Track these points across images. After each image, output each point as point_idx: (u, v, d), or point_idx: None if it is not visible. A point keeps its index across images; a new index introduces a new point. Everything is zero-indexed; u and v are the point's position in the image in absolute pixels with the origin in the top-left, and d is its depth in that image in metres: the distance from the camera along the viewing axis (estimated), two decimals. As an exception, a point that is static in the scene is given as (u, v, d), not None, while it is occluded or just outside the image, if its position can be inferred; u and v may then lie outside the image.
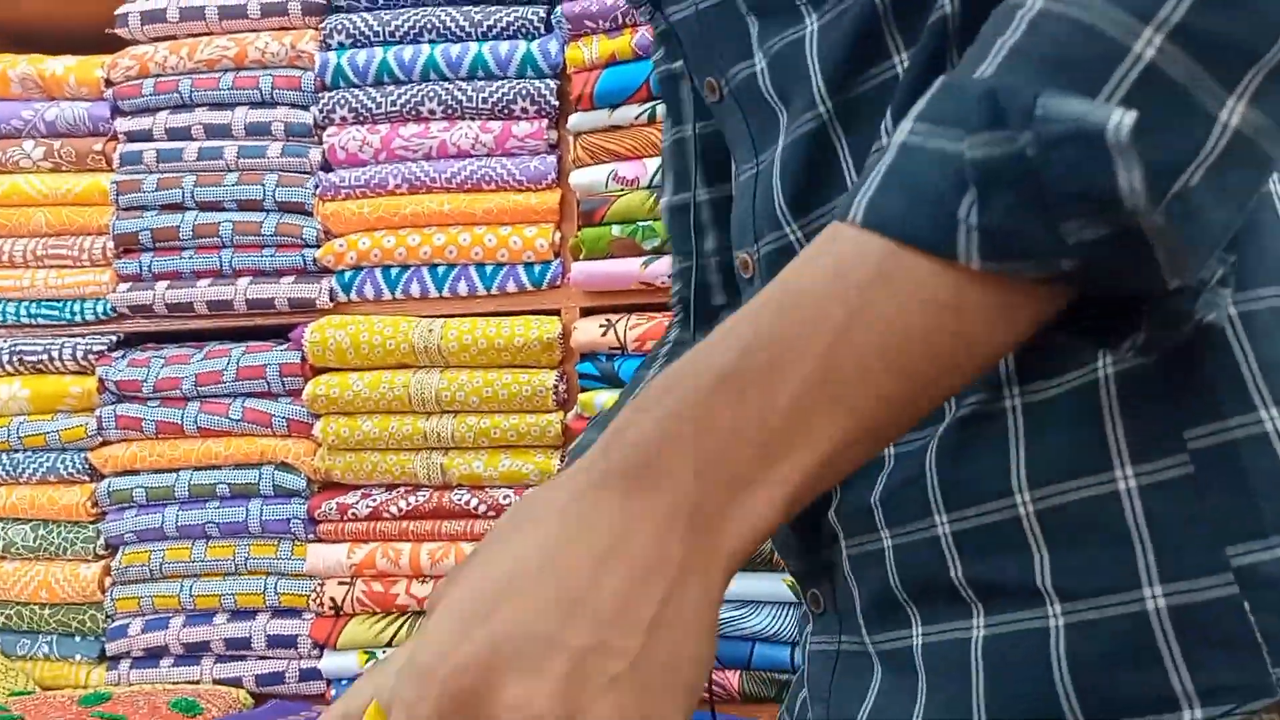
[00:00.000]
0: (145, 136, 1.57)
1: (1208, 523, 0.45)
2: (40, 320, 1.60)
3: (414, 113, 1.48)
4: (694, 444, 0.38)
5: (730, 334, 0.40)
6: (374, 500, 1.44)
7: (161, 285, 1.55)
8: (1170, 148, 0.38)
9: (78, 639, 1.54)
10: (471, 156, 1.48)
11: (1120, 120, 0.36)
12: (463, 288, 1.47)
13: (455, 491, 1.43)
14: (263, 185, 1.53)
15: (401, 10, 1.50)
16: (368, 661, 1.41)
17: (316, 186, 1.51)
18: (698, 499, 0.38)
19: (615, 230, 1.40)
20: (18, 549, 1.53)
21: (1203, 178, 0.38)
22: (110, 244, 1.57)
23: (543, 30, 1.47)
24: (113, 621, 1.52)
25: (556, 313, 1.44)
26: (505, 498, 1.41)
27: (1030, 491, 0.48)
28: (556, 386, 1.41)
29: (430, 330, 1.43)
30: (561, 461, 1.40)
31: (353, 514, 1.44)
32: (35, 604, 1.53)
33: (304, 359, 1.47)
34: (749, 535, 0.39)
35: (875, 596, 0.54)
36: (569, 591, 0.36)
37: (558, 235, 1.46)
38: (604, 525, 0.37)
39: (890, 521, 0.52)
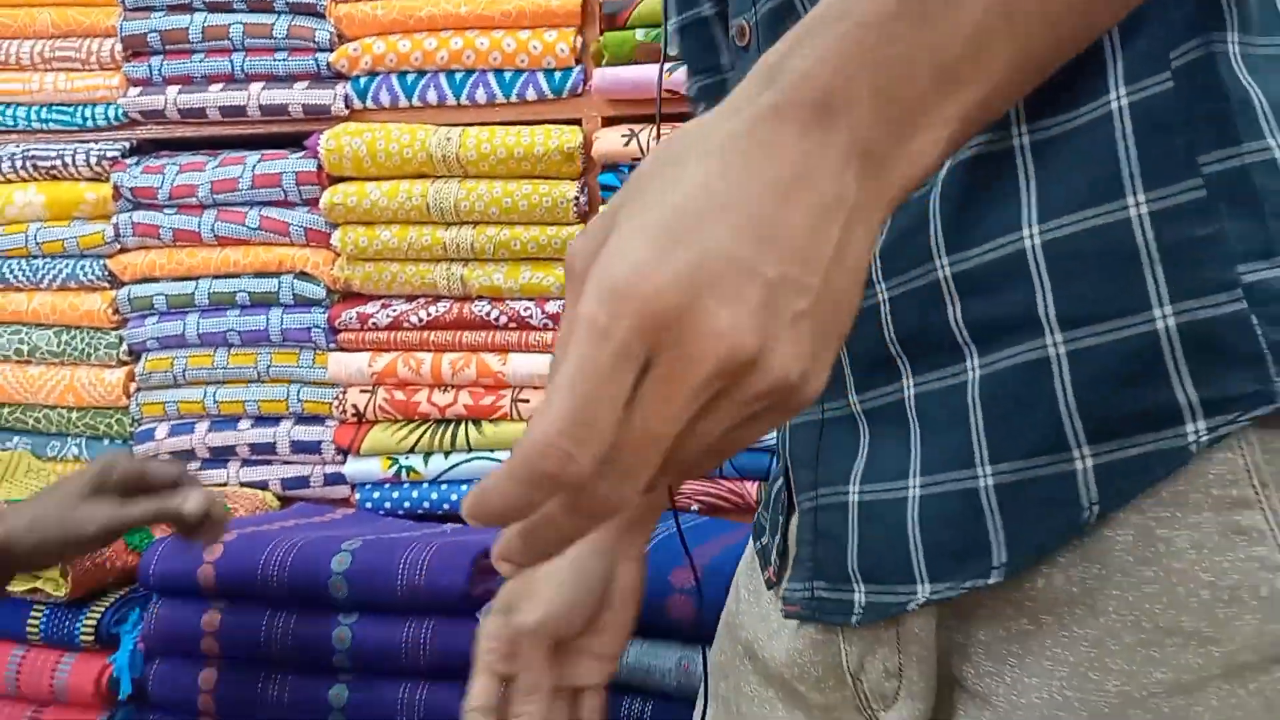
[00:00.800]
0: (149, -68, 1.52)
1: (1218, 243, 0.45)
2: (53, 125, 1.57)
3: (429, -92, 1.42)
4: (874, 70, 0.37)
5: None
6: (394, 311, 1.44)
7: (173, 90, 1.52)
8: None
9: (106, 442, 1.57)
10: (488, -44, 1.43)
11: None
12: (481, 95, 1.44)
13: (475, 303, 1.43)
14: (273, -15, 1.48)
15: None
16: (390, 467, 1.44)
17: (329, -13, 1.46)
18: (872, 136, 0.37)
19: (640, 34, 1.36)
20: (42, 354, 1.55)
21: None
22: (118, 46, 1.53)
23: None
24: (139, 425, 1.55)
25: (578, 122, 1.42)
26: (525, 310, 1.41)
27: (1039, 224, 0.47)
28: (578, 198, 1.39)
29: (448, 139, 1.40)
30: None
31: (373, 324, 1.45)
32: (63, 407, 1.56)
33: (320, 168, 1.45)
34: (911, 178, 0.38)
35: (865, 355, 0.54)
36: (760, 221, 0.35)
37: (579, 40, 1.42)
38: (785, 157, 0.36)
39: (888, 274, 0.52)
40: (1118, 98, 0.47)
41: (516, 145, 1.39)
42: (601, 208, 0.43)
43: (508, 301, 1.43)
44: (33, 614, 1.20)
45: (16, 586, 1.18)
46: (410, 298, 1.46)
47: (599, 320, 0.33)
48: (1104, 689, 0.47)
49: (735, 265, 0.34)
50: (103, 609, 1.20)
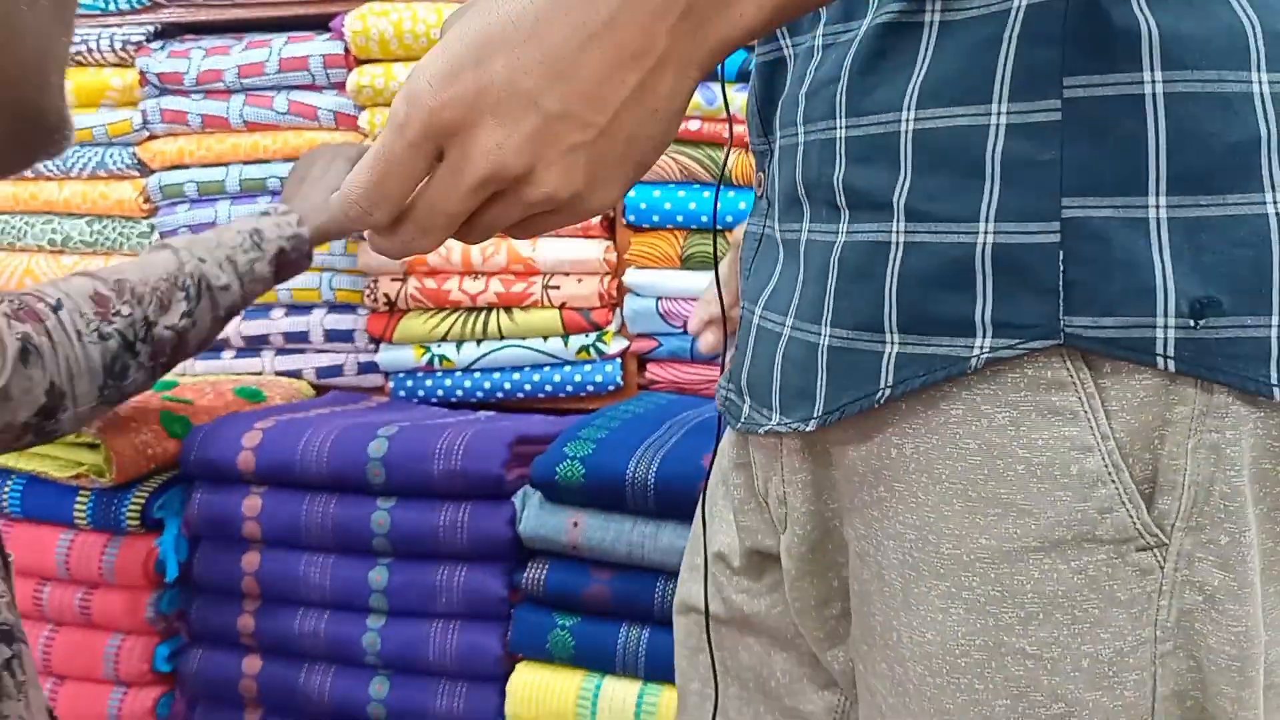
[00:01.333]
0: None
1: (1054, 170, 0.47)
2: (78, 10, 1.54)
3: None
4: None
5: None
6: (423, 197, 1.43)
7: (195, -29, 1.48)
8: None
9: (142, 331, 1.58)
10: None
11: None
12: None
13: (505, 188, 1.41)
14: None
15: None
16: (423, 355, 1.45)
17: None
18: None
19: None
20: (75, 243, 1.55)
21: None
22: (138, -74, 1.50)
23: None
24: (174, 315, 1.55)
25: None
26: None
27: (916, 110, 0.49)
28: None
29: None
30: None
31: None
32: (97, 297, 1.57)
33: (347, 50, 1.42)
34: (729, 38, 0.42)
35: (786, 188, 0.57)
36: (555, 61, 0.40)
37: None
38: (601, 3, 0.40)
39: (808, 118, 0.55)
40: None
41: None
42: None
43: (538, 188, 1.40)
44: (79, 499, 1.22)
45: (62, 472, 1.21)
46: (440, 184, 1.44)
47: (398, 115, 0.41)
48: (939, 552, 0.50)
49: (518, 95, 0.41)
50: (146, 494, 1.23)
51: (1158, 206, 0.46)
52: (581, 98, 0.41)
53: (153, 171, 1.53)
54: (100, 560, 1.22)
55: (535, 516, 1.14)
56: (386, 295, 1.45)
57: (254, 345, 1.53)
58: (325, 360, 1.51)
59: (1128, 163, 0.46)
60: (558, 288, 1.40)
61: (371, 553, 1.19)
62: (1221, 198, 0.46)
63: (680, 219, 1.36)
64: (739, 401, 0.62)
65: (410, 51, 1.40)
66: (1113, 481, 0.48)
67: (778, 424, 0.57)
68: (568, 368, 1.43)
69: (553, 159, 0.42)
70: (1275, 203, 0.46)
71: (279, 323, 1.51)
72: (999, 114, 0.48)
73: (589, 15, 0.40)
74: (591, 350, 1.41)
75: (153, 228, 1.54)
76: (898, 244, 0.50)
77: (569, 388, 1.43)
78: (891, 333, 0.51)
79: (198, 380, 1.49)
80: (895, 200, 0.50)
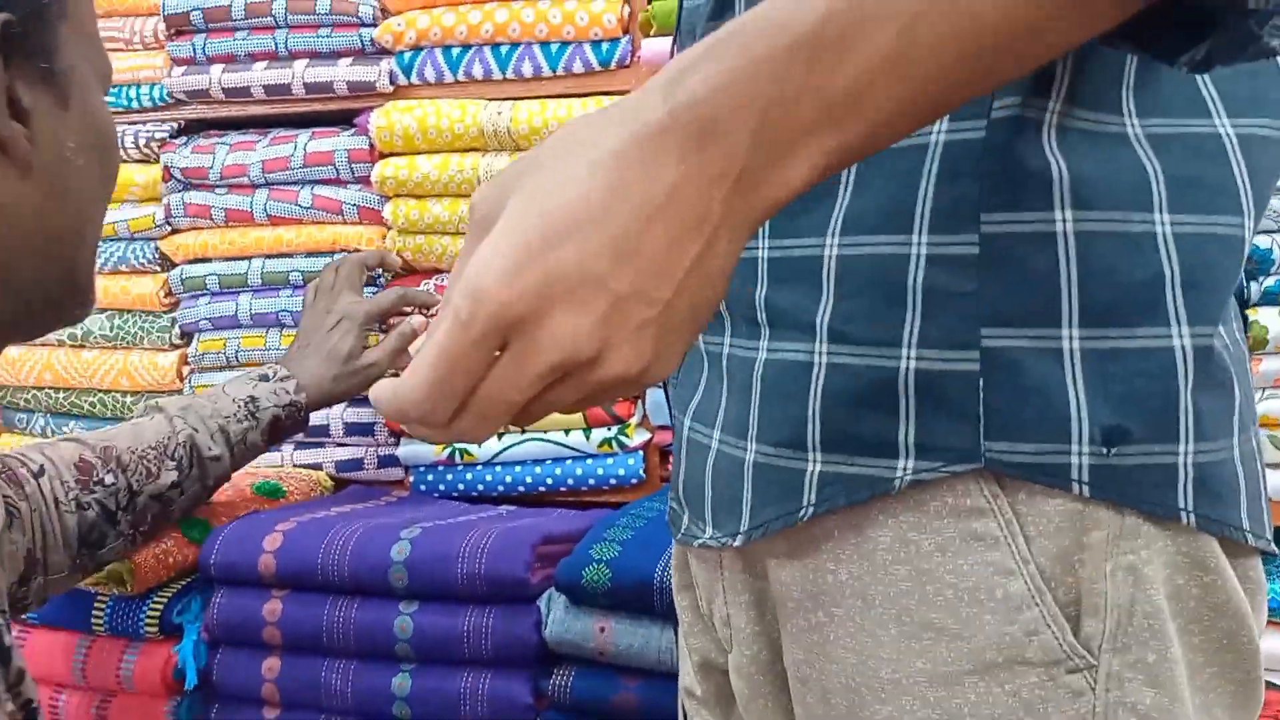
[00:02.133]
0: (189, -93, 1.49)
1: (973, 302, 0.49)
2: (97, 107, 1.56)
3: (472, -124, 1.38)
4: (759, 107, 0.39)
5: None
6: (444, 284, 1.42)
7: (217, 69, 1.50)
8: None
9: (161, 425, 1.57)
10: (532, -75, 1.39)
11: None
12: (527, 68, 1.40)
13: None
14: (315, -41, 1.45)
15: None
16: (444, 449, 1.43)
17: (371, -40, 1.43)
18: (747, 163, 0.40)
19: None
20: (95, 338, 1.55)
21: None
22: (161, 25, 1.51)
23: None
24: (194, 408, 1.55)
25: (626, 94, 1.38)
26: None
27: (841, 236, 0.52)
28: None
29: (499, 113, 1.38)
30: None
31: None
32: (117, 391, 1.56)
33: (372, 145, 1.43)
34: (782, 198, 0.42)
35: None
36: (621, 240, 0.40)
37: (626, 9, 1.38)
38: (660, 179, 0.40)
39: None
40: (939, 131, 0.50)
41: (568, 118, 1.35)
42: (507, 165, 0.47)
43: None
44: (96, 605, 1.21)
45: (84, 582, 1.19)
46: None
47: (462, 313, 0.39)
48: (879, 676, 0.52)
49: (588, 280, 0.39)
50: (165, 599, 1.21)
51: (1071, 338, 0.49)
52: (650, 275, 0.40)
53: (174, 265, 1.53)
54: (118, 667, 1.20)
55: (561, 621, 1.11)
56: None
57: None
58: (345, 454, 1.49)
59: (1042, 296, 0.49)
60: (580, 380, 1.39)
61: (394, 658, 1.16)
62: (1130, 330, 0.49)
63: (703, 310, 1.35)
64: (680, 511, 0.62)
65: (434, 145, 1.40)
66: (1036, 604, 0.49)
67: (709, 538, 0.58)
68: (590, 461, 1.41)
69: (623, 339, 0.41)
70: (1180, 335, 0.49)
71: (299, 416, 1.50)
72: (919, 244, 0.50)
73: (650, 192, 0.39)
74: (614, 443, 1.40)
75: (173, 321, 1.54)
76: (820, 364, 0.52)
77: (591, 481, 1.41)
78: (814, 450, 0.52)
79: (217, 475, 1.47)
80: (818, 321, 0.52)
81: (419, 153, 1.41)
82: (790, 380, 0.53)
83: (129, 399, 1.56)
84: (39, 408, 1.61)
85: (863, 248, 0.51)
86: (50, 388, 1.59)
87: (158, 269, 1.53)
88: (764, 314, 0.55)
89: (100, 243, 1.50)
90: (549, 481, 1.41)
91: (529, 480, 1.42)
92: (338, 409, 1.48)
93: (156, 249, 1.53)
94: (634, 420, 1.40)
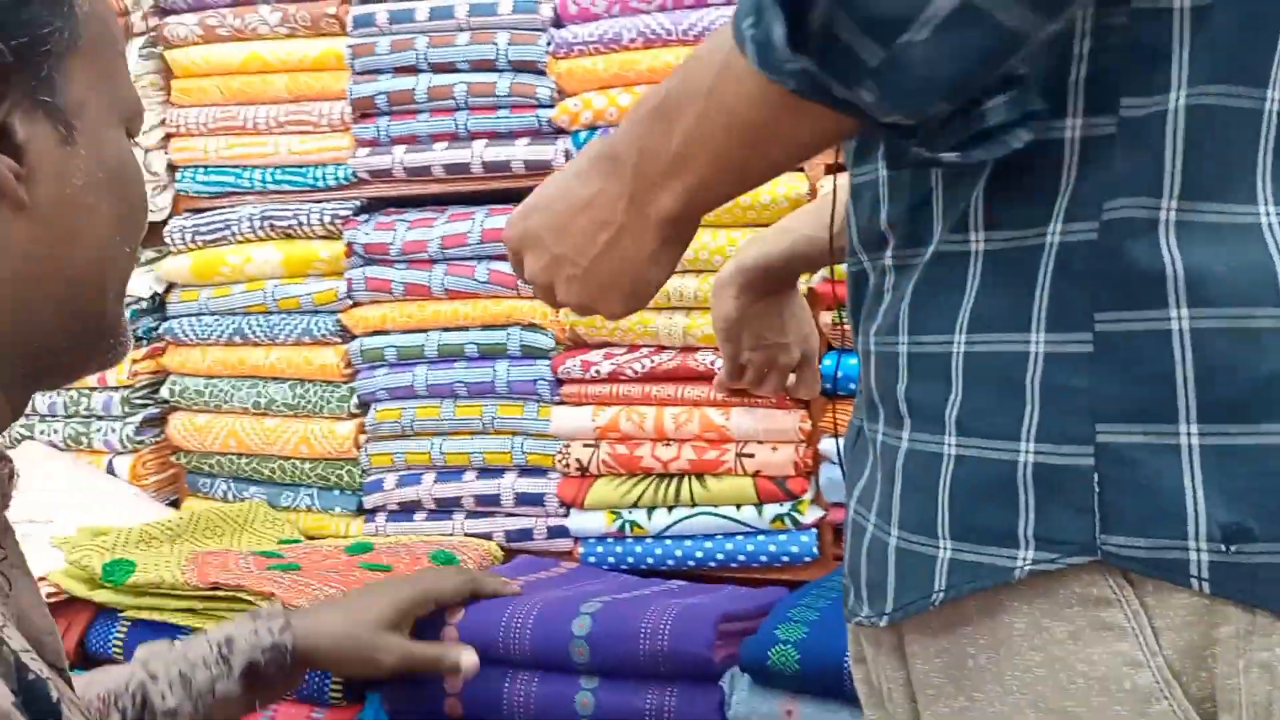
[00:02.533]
0: (378, -2, 1.57)
1: (1088, 397, 0.51)
2: (286, 186, 1.64)
3: (649, -39, 1.42)
4: (634, 151, 0.59)
5: (675, 72, 0.58)
6: (616, 360, 1.43)
7: (400, 149, 1.56)
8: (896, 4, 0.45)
9: (336, 492, 1.62)
10: (709, 5, 1.42)
11: None
12: (702, 146, 1.42)
13: (698, 353, 1.41)
14: (495, 44, 1.50)
15: None
16: (614, 521, 1.44)
17: (549, 43, 1.48)
18: (634, 188, 0.60)
19: None
20: (278, 406, 1.61)
21: (929, 33, 0.44)
22: (348, 109, 1.59)
23: None
24: (368, 476, 1.59)
25: (801, 169, 1.38)
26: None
27: (966, 334, 0.55)
28: None
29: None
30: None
31: (595, 371, 1.44)
32: (296, 458, 1.62)
33: (545, 222, 1.46)
34: (664, 216, 0.60)
35: (864, 392, 0.64)
36: (560, 220, 0.65)
37: (803, 87, 1.38)
38: (588, 189, 0.63)
39: (879, 330, 0.61)
40: (1054, 232, 0.52)
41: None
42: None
43: (731, 354, 1.40)
44: (285, 668, 1.23)
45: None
46: (633, 347, 1.45)
47: (503, 238, 0.72)
48: None
49: (540, 240, 0.67)
50: (350, 666, 1.23)
51: (1188, 434, 0.49)
52: (572, 247, 0.65)
53: (354, 337, 1.58)
54: (303, 732, 1.22)
55: (746, 702, 1.09)
56: (579, 460, 1.45)
57: (445, 508, 1.55)
58: (515, 524, 1.51)
59: (1157, 393, 0.50)
60: (751, 455, 1.38)
61: (574, 734, 1.16)
62: (1252, 427, 0.49)
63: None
64: (848, 587, 0.65)
65: None
66: (1166, 698, 0.50)
67: (864, 615, 0.61)
68: (761, 537, 1.39)
69: (559, 282, 0.67)
70: None
71: (471, 485, 1.52)
72: (1038, 341, 0.52)
73: (580, 196, 0.64)
74: (786, 519, 1.38)
75: (352, 390, 1.58)
76: (949, 456, 0.55)
77: (763, 558, 1.39)
78: (944, 538, 0.55)
79: (392, 542, 1.51)
80: (947, 415, 0.55)
81: (594, 228, 1.44)
82: (924, 470, 0.56)
83: (307, 465, 1.61)
84: (222, 473, 1.68)
85: (986, 345, 0.54)
86: (234, 453, 1.65)
87: (339, 341, 1.59)
88: (905, 406, 0.58)
89: (284, 314, 1.58)
90: (719, 557, 1.40)
91: (699, 555, 1.41)
92: (509, 478, 1.50)
93: (338, 321, 1.58)
94: (807, 496, 1.38)
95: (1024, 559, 0.52)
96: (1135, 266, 0.50)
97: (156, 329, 1.70)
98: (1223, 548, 0.49)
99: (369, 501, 1.58)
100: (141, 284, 1.68)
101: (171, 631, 1.29)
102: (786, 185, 1.35)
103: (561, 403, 1.48)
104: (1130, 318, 0.50)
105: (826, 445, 1.36)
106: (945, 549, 0.55)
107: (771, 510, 1.38)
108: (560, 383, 1.48)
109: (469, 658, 1.12)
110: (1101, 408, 0.51)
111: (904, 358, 0.58)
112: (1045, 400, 0.52)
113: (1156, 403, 0.50)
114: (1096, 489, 0.51)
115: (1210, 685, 0.50)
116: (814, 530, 1.38)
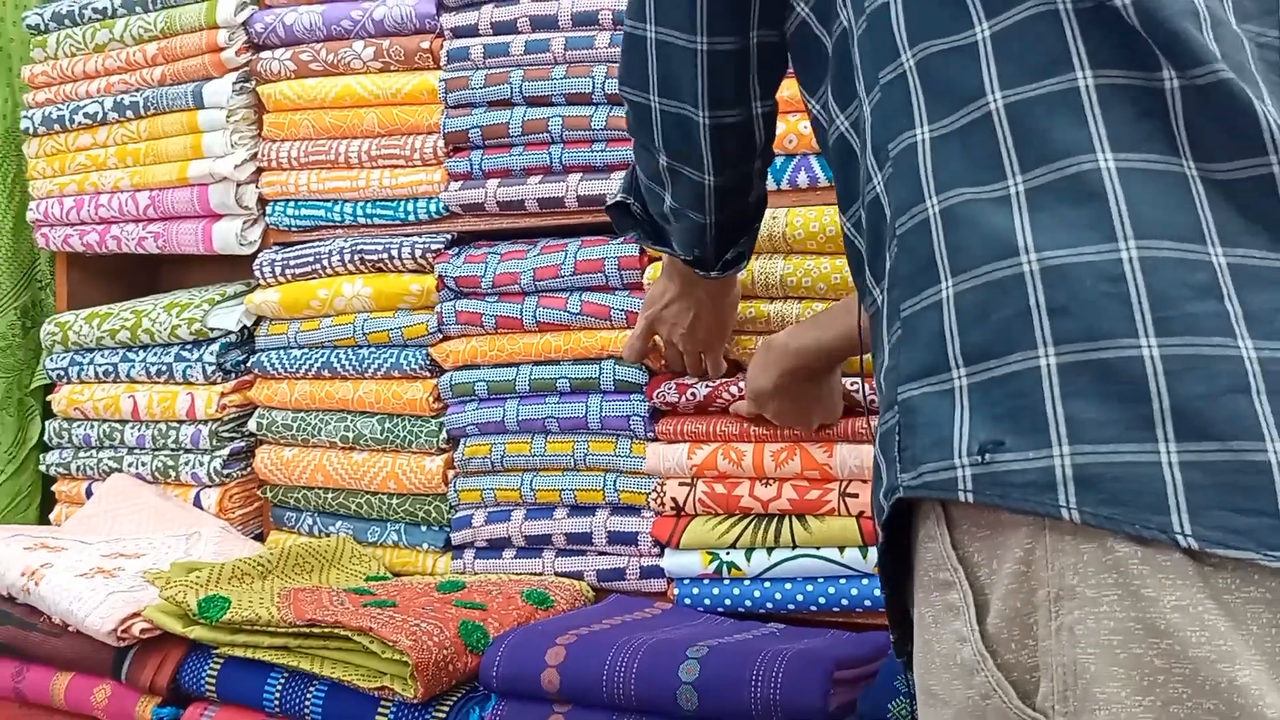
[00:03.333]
0: (471, 32, 1.56)
1: (896, 370, 0.63)
2: (377, 220, 1.63)
3: (750, -8, 1.40)
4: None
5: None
6: (712, 382, 1.40)
7: (493, 183, 1.55)
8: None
9: (424, 528, 1.59)
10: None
11: None
12: (803, 179, 1.40)
13: (798, 391, 1.37)
14: (591, 78, 1.49)
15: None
16: (711, 562, 1.40)
17: (645, 75, 1.46)
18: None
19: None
20: (366, 441, 1.60)
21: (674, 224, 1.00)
22: (440, 142, 1.58)
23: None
24: (456, 512, 1.57)
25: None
26: (853, 385, 1.34)
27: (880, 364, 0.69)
28: None
29: (773, 218, 1.37)
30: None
31: (691, 394, 1.39)
32: (384, 493, 1.60)
33: (642, 251, 1.44)
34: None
35: None
36: (650, 300, 1.32)
37: (909, 118, 1.35)
38: (662, 287, 1.28)
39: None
40: (888, 259, 0.67)
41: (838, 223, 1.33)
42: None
43: (833, 390, 1.36)
44: (380, 711, 1.21)
45: (366, 682, 1.20)
46: (731, 375, 1.41)
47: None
48: None
49: (661, 317, 1.32)
50: (447, 708, 1.20)
51: (958, 377, 0.59)
52: (669, 314, 1.26)
53: (444, 371, 1.57)
54: (399, 776, 1.19)
55: (862, 755, 1.05)
56: (674, 499, 1.42)
57: (535, 545, 1.52)
58: (607, 563, 1.48)
59: (936, 351, 0.60)
60: (856, 495, 1.34)
61: (680, 784, 1.12)
62: (1004, 359, 0.57)
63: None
64: None
65: None
66: (982, 669, 0.56)
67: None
68: (866, 581, 1.35)
69: (675, 336, 1.23)
70: (1047, 356, 0.56)
71: (562, 523, 1.49)
72: (885, 345, 0.66)
73: (658, 290, 1.23)
74: (892, 562, 1.33)
75: (441, 425, 1.57)
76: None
77: (867, 602, 1.34)
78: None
79: (482, 580, 1.48)
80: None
81: (690, 260, 1.41)
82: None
83: (395, 501, 1.60)
84: (308, 507, 1.66)
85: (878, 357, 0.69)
86: (320, 488, 1.64)
87: (428, 375, 1.57)
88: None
89: (373, 348, 1.57)
90: (821, 600, 1.36)
91: (800, 598, 1.37)
92: (601, 515, 1.47)
93: (428, 355, 1.57)
94: (913, 539, 1.33)
95: (883, 508, 0.64)
96: (918, 261, 0.62)
97: (245, 362, 1.70)
98: (979, 459, 0.56)
99: (457, 538, 1.56)
100: (230, 317, 1.69)
101: (264, 669, 1.27)
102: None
103: (656, 439, 1.45)
104: (918, 300, 0.62)
105: (934, 486, 1.32)
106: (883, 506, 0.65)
107: (876, 553, 1.34)
108: (656, 418, 1.45)
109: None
110: (902, 374, 0.62)
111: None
112: (881, 384, 0.66)
113: (936, 357, 0.60)
114: (897, 439, 0.61)
115: (1035, 654, 0.55)
116: (920, 574, 1.33)
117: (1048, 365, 0.56)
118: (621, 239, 1.46)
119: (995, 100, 0.60)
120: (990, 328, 0.58)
